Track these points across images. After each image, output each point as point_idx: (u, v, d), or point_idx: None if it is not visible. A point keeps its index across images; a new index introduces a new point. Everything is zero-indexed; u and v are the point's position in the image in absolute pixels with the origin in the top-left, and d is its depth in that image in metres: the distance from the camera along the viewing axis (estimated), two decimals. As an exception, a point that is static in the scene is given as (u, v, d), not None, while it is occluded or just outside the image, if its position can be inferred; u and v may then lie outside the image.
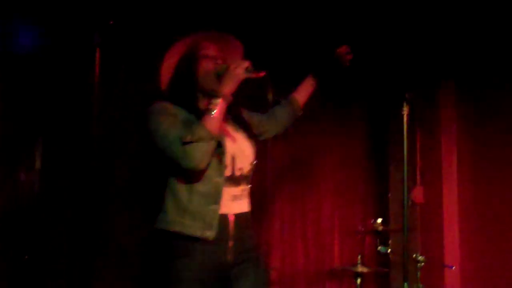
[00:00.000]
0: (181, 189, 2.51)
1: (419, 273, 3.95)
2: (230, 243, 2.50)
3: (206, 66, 2.62)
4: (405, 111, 3.32)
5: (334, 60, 2.89)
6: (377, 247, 4.41)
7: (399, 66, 4.94)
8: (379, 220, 4.44)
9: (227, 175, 2.54)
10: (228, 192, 2.54)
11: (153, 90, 3.78)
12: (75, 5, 2.75)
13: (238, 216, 2.55)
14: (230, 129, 2.70)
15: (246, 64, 2.48)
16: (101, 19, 1.87)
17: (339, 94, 4.96)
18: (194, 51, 2.66)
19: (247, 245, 2.58)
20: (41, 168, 4.21)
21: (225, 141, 2.55)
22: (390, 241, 4.56)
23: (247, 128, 2.76)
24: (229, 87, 2.46)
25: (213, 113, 2.41)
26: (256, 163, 2.71)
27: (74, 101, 4.12)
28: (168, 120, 2.47)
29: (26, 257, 4.05)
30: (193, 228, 2.45)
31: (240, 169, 2.60)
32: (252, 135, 2.75)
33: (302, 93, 3.01)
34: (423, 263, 3.94)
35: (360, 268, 4.27)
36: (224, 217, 2.50)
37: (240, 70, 2.46)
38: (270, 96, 2.64)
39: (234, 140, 2.64)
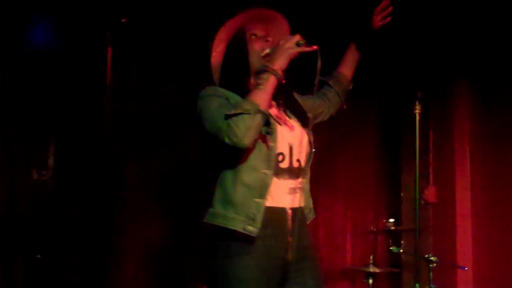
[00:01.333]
0: (227, 179, 2.35)
1: (431, 274, 3.92)
2: (289, 239, 2.35)
3: (256, 47, 2.47)
4: (418, 110, 3.30)
5: (372, 20, 2.72)
6: (389, 247, 4.40)
7: (412, 64, 4.92)
8: (391, 220, 4.43)
9: (285, 166, 2.37)
10: (285, 185, 2.37)
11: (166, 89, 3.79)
12: (87, 4, 2.76)
13: (296, 211, 2.37)
14: (286, 117, 2.51)
15: (296, 38, 2.33)
16: (113, 17, 1.86)
17: (351, 93, 4.95)
18: (242, 32, 2.51)
19: (305, 242, 2.43)
20: (53, 166, 4.24)
21: (282, 130, 2.39)
22: (402, 241, 4.56)
23: (303, 115, 2.55)
24: (279, 62, 2.31)
25: (261, 87, 2.28)
26: (313, 152, 2.50)
27: (86, 100, 4.13)
28: (218, 101, 2.33)
29: (39, 256, 4.07)
30: (235, 222, 2.29)
31: (298, 160, 2.42)
32: (308, 123, 2.54)
33: (348, 65, 2.84)
34: (435, 264, 3.91)
35: (372, 268, 4.26)
36: (282, 211, 2.36)
37: (290, 44, 2.31)
38: (318, 75, 2.43)
39: (291, 128, 2.45)
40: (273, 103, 2.49)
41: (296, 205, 2.38)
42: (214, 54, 2.54)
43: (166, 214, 4.39)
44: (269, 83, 2.28)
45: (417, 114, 3.30)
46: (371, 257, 4.32)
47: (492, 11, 4.42)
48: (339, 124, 5.11)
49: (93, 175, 4.10)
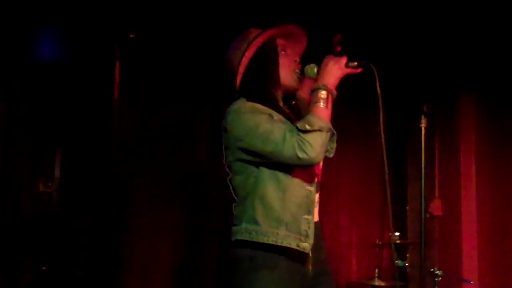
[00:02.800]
0: (273, 197, 2.31)
1: (436, 287, 3.92)
2: (310, 253, 2.33)
3: (287, 62, 2.45)
4: (423, 123, 3.29)
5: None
6: (394, 261, 4.39)
7: (417, 78, 4.93)
8: (397, 234, 4.42)
9: (316, 181, 2.40)
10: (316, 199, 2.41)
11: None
12: (97, 19, 2.78)
13: (317, 224, 2.39)
14: None
15: (344, 59, 2.34)
16: (121, 32, 1.88)
17: (356, 105, 4.96)
18: (272, 47, 2.47)
19: (323, 256, 2.45)
20: (60, 178, 4.25)
21: None
22: (407, 255, 4.54)
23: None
24: (332, 81, 2.32)
25: (323, 105, 2.28)
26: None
27: (93, 112, 4.15)
28: (265, 118, 2.29)
29: (44, 267, 4.07)
30: (289, 239, 2.27)
31: (317, 175, 2.43)
32: None
33: None
34: (441, 277, 3.90)
35: (377, 282, 4.25)
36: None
37: (341, 65, 2.33)
38: (380, 96, 2.43)
39: None
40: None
41: (316, 219, 2.38)
42: (238, 60, 2.44)
43: (172, 225, 4.40)
44: (330, 101, 2.29)
45: (422, 128, 3.29)
46: (376, 270, 4.31)
47: (497, 24, 4.43)
48: (345, 137, 5.11)
49: (99, 187, 4.11)
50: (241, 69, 2.44)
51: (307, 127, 2.19)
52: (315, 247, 2.34)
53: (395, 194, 5.34)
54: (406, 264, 4.34)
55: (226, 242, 2.43)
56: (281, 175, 2.31)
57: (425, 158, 3.32)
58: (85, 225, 4.16)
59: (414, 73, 4.94)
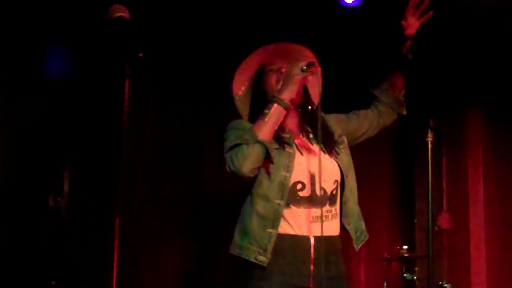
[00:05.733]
0: (246, 209, 2.42)
1: (445, 301, 3.91)
2: (311, 268, 2.34)
3: (272, 80, 2.50)
4: (430, 137, 3.31)
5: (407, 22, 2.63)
6: (403, 274, 4.38)
7: (424, 92, 4.94)
8: (405, 247, 4.41)
9: (305, 195, 2.38)
10: (308, 213, 2.37)
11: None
12: (106, 36, 2.82)
13: (320, 240, 2.34)
14: (310, 143, 2.52)
15: (300, 64, 2.35)
16: (130, 51, 1.91)
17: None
18: (262, 69, 2.56)
19: (333, 272, 2.40)
20: (69, 194, 4.27)
21: (300, 159, 2.41)
22: (416, 268, 4.53)
23: (332, 140, 2.54)
24: (286, 91, 2.34)
25: (265, 117, 2.31)
26: (346, 179, 2.49)
27: (102, 129, 4.19)
28: (236, 134, 2.38)
29: (54, 282, 4.08)
30: (249, 252, 2.35)
31: (322, 188, 2.40)
32: (333, 148, 2.52)
33: (391, 78, 2.74)
34: (449, 291, 3.89)
35: (386, 295, 4.24)
36: (303, 240, 2.35)
37: (295, 71, 2.34)
38: (319, 96, 2.39)
39: (314, 155, 2.45)
40: (299, 130, 2.53)
41: (322, 233, 2.35)
42: (239, 94, 2.59)
43: (180, 240, 4.41)
44: (273, 113, 2.32)
45: (429, 142, 3.30)
46: (385, 284, 4.30)
47: (504, 39, 4.44)
48: (352, 151, 5.13)
49: (108, 203, 4.13)
50: (239, 103, 2.60)
51: (236, 141, 2.29)
52: (321, 262, 2.33)
53: (402, 208, 5.34)
54: (415, 278, 4.33)
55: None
56: (253, 189, 2.39)
57: (432, 172, 3.33)
58: (94, 239, 4.17)
59: (421, 88, 4.94)
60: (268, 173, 2.36)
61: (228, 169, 2.31)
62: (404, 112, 2.84)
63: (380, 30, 4.46)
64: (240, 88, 2.58)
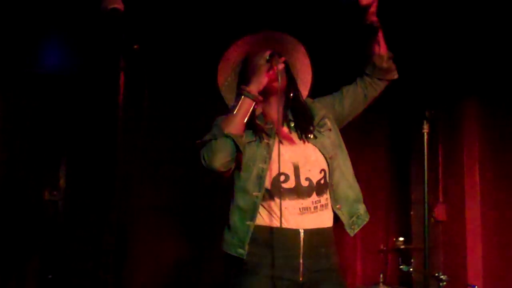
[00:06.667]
0: (231, 205, 2.43)
1: (441, 292, 3.92)
2: (301, 261, 2.32)
3: (255, 67, 2.41)
4: (426, 129, 3.30)
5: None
6: (399, 266, 4.38)
7: (421, 84, 4.94)
8: (401, 239, 4.42)
9: (290, 186, 2.34)
10: (294, 205, 2.33)
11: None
12: (100, 29, 2.81)
13: (310, 232, 2.33)
14: (291, 133, 2.46)
15: (265, 54, 2.35)
16: (125, 43, 1.90)
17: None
18: (247, 57, 2.51)
19: (323, 264, 2.36)
20: (65, 187, 4.27)
21: (282, 150, 2.34)
22: (412, 260, 4.53)
23: (308, 126, 2.46)
24: (253, 82, 2.33)
25: (234, 110, 2.30)
26: (330, 161, 2.40)
27: (97, 122, 4.18)
28: (212, 130, 2.37)
29: (50, 276, 4.08)
30: (230, 246, 2.37)
31: (307, 179, 2.36)
32: (319, 132, 2.45)
33: (370, 47, 2.62)
34: (445, 282, 3.90)
35: (382, 287, 4.25)
36: (292, 232, 2.32)
37: (261, 61, 2.34)
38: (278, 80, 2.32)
39: (295, 145, 2.41)
40: (283, 119, 2.47)
41: (311, 226, 2.34)
42: (224, 84, 2.55)
43: (177, 235, 4.42)
44: (241, 105, 2.31)
45: (425, 133, 3.30)
46: (381, 276, 4.30)
47: (499, 30, 4.44)
48: (348, 142, 5.13)
49: (104, 196, 4.13)
50: (222, 85, 2.54)
51: (207, 137, 2.31)
52: (310, 254, 2.32)
53: (398, 200, 5.35)
54: (411, 269, 4.34)
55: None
56: (234, 184, 2.41)
57: (427, 164, 3.33)
58: (90, 233, 4.17)
59: (417, 79, 4.94)
60: (243, 165, 2.36)
61: (203, 165, 2.32)
62: (395, 77, 2.75)
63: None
64: (226, 77, 2.55)
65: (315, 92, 2.61)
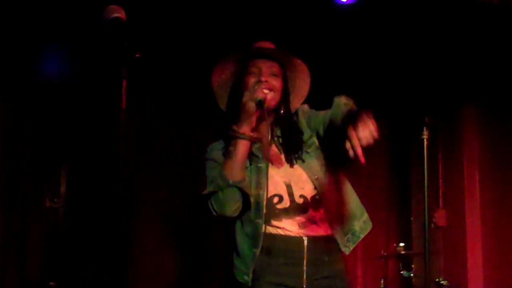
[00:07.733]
0: (236, 230, 2.45)
1: (442, 297, 3.93)
2: (304, 268, 2.32)
3: (250, 82, 2.39)
4: (425, 135, 3.31)
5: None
6: (400, 271, 4.39)
7: (420, 91, 4.96)
8: (402, 244, 4.43)
9: (284, 206, 2.36)
10: (293, 222, 2.36)
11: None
12: (102, 37, 2.83)
13: (314, 239, 2.34)
14: (280, 151, 2.46)
15: (256, 96, 2.29)
16: (127, 52, 1.92)
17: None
18: (245, 65, 2.46)
19: (326, 272, 2.37)
20: (66, 194, 4.27)
21: (272, 172, 2.36)
22: (413, 265, 4.54)
23: (297, 148, 2.43)
24: (244, 124, 2.31)
25: (232, 155, 2.30)
26: (317, 183, 2.38)
27: (99, 130, 4.19)
28: (212, 174, 2.39)
29: (52, 283, 4.08)
30: (239, 271, 2.39)
31: (302, 196, 2.37)
32: (307, 153, 2.42)
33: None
34: (446, 287, 3.91)
35: (383, 293, 4.26)
36: (296, 240, 2.33)
37: (250, 103, 2.28)
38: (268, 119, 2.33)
39: (285, 165, 2.41)
40: (271, 136, 2.46)
41: (314, 233, 2.35)
42: (218, 81, 2.53)
43: (179, 242, 4.42)
44: (238, 148, 2.30)
45: (425, 140, 3.31)
46: (382, 281, 4.32)
47: (497, 36, 4.46)
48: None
49: (105, 203, 4.14)
50: (217, 87, 2.53)
51: (210, 189, 2.32)
52: (312, 262, 2.33)
53: (399, 205, 5.35)
54: (412, 275, 4.35)
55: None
56: (242, 212, 2.39)
57: (427, 169, 3.34)
58: (91, 240, 4.18)
59: (416, 86, 4.96)
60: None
61: (213, 215, 2.34)
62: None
63: (375, 29, 4.50)
64: (221, 76, 2.53)
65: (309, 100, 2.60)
